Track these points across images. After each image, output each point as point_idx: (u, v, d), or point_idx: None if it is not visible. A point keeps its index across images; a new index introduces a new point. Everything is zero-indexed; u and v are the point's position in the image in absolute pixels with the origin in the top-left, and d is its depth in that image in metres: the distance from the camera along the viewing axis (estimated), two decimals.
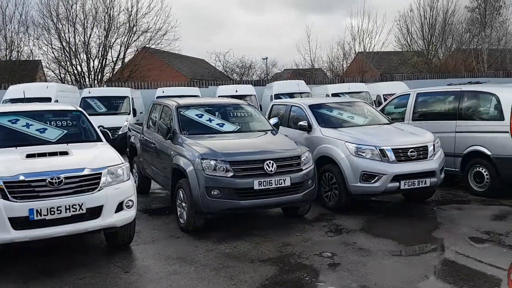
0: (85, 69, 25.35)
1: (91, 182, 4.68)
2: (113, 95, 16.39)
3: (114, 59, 26.06)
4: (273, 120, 7.71)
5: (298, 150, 6.24)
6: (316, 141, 7.51)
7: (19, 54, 24.90)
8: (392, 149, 6.74)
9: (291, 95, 18.57)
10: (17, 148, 5.15)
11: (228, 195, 5.66)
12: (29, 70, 26.60)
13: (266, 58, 36.72)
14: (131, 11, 25.57)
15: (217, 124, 7.04)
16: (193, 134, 6.62)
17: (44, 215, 4.35)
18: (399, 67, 31.55)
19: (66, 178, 4.53)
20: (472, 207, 7.28)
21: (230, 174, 5.69)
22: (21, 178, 4.38)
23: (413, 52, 30.08)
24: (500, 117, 7.51)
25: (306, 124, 7.74)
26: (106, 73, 25.84)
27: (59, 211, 4.42)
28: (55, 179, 4.46)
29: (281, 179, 5.83)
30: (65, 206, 4.45)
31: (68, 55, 24.91)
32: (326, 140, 7.29)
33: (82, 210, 4.53)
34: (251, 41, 59.13)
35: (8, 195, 4.32)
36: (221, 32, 61.75)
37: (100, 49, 25.17)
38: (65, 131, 5.80)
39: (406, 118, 9.33)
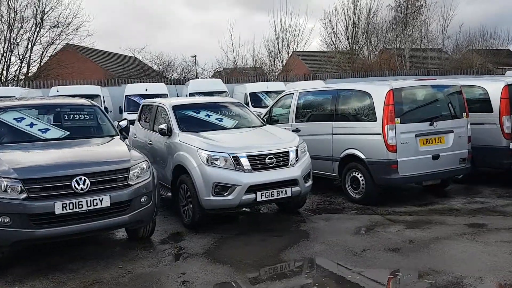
0: None
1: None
2: (84, 93, 14.72)
3: (21, 56, 23.84)
4: (123, 123, 6.69)
5: (126, 161, 5.23)
6: (174, 148, 6.61)
7: None
8: (248, 156, 5.95)
9: (208, 94, 17.78)
10: None
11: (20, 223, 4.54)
12: None
13: (195, 56, 35.51)
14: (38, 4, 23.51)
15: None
16: None
17: None
18: (323, 66, 31.48)
19: None
20: (342, 217, 6.65)
21: (23, 195, 4.60)
22: None
23: (336, 51, 30.03)
24: (373, 118, 6.94)
25: (166, 128, 6.81)
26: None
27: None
28: None
29: (96, 199, 4.81)
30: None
31: None
32: (183, 147, 6.40)
33: None
34: (197, 40, 57.74)
35: None
36: (166, 30, 59.79)
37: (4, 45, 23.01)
38: None
39: (289, 119, 8.65)
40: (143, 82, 21.20)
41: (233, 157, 5.90)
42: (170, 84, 22.08)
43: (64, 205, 4.63)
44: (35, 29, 23.62)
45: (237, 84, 22.24)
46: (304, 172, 6.28)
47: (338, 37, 30.48)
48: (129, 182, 5.12)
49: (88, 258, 5.22)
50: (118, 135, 6.32)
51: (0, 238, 4.55)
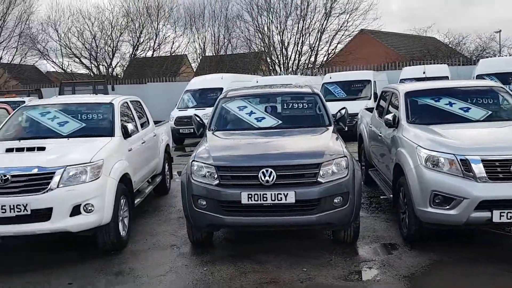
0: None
1: (38, 182, 4.42)
2: (354, 79, 15.87)
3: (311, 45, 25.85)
4: (343, 111, 6.02)
5: (318, 156, 4.61)
6: (396, 143, 5.55)
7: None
8: (483, 160, 4.37)
9: (501, 76, 14.90)
10: (20, 141, 5.33)
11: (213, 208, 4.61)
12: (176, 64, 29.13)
13: (499, 31, 30.43)
14: None
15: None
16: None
17: None
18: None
19: (13, 176, 4.40)
20: None
21: (216, 182, 4.62)
22: None
23: None
24: None
25: (392, 118, 5.80)
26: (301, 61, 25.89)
27: (3, 210, 4.31)
28: (2, 177, 4.37)
29: (280, 194, 4.42)
30: (10, 206, 4.31)
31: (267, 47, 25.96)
32: (403, 142, 5.29)
33: (27, 211, 4.32)
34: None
35: None
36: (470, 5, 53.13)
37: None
38: (83, 125, 5.74)
39: None
40: (429, 63, 19.52)
41: (460, 160, 4.44)
42: (459, 65, 19.64)
43: (250, 196, 4.46)
44: (325, 18, 25.01)
45: None
46: None
47: None
48: (318, 179, 4.51)
49: (280, 251, 4.91)
50: (331, 126, 5.73)
51: (196, 220, 4.76)
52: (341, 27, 25.64)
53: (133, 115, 6.63)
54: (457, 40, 25.97)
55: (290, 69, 25.56)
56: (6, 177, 4.40)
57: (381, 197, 6.88)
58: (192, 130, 13.22)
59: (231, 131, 5.82)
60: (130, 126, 5.82)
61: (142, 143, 6.47)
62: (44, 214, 4.41)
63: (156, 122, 7.90)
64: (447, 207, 4.46)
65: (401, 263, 4.52)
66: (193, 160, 4.85)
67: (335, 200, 4.53)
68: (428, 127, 5.28)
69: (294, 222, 4.54)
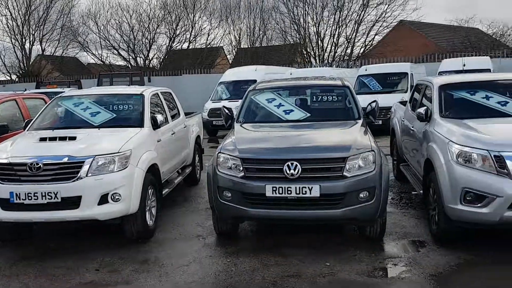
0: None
1: (69, 171, 4.55)
2: (390, 71, 15.55)
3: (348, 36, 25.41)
4: (373, 105, 5.86)
5: (344, 150, 4.53)
6: (428, 137, 5.38)
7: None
8: None
9: None
10: (54, 131, 5.50)
11: (238, 200, 4.62)
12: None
13: None
14: None
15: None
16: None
17: (22, 199, 4.49)
18: None
19: (44, 164, 4.55)
20: None
21: (241, 174, 4.62)
22: (5, 161, 4.63)
23: None
24: None
25: (424, 112, 5.62)
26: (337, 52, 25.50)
27: (36, 197, 4.47)
28: (34, 165, 4.53)
29: (305, 187, 4.38)
30: (41, 193, 4.47)
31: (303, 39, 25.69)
32: (435, 137, 5.12)
33: (57, 199, 4.47)
34: None
35: None
36: None
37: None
38: (114, 115, 5.86)
39: None
40: (472, 55, 18.83)
41: (494, 156, 4.25)
42: (502, 57, 18.85)
43: (274, 189, 4.45)
44: (362, 9, 24.49)
45: None
46: None
47: None
48: (344, 174, 4.44)
49: (304, 245, 4.87)
50: (361, 119, 5.61)
51: (222, 211, 4.79)
52: (379, 18, 25.09)
53: (163, 106, 6.72)
54: (501, 31, 24.89)
55: (326, 61, 25.22)
56: (38, 165, 4.56)
57: (412, 193, 6.70)
58: None
59: (259, 124, 5.80)
60: (159, 117, 5.90)
61: (172, 134, 6.55)
62: (74, 202, 4.55)
63: (187, 114, 7.98)
64: (479, 205, 4.28)
65: (428, 261, 4.39)
66: (219, 152, 4.88)
67: (361, 195, 4.45)
68: (462, 121, 5.08)
69: (318, 216, 4.50)
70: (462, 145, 4.50)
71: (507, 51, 20.69)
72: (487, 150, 4.31)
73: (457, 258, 4.44)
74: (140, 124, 5.73)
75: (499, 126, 4.89)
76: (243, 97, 6.32)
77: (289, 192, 4.41)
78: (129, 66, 30.35)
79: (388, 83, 15.05)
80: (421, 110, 5.67)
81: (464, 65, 15.20)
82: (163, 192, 5.90)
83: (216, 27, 30.45)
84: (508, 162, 4.18)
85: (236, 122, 5.86)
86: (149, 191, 5.24)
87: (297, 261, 4.52)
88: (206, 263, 4.61)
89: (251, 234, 5.43)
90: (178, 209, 6.50)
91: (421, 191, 5.55)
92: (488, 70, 14.08)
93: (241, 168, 4.62)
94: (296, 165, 4.43)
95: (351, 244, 4.89)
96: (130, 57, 30.57)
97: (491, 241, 4.87)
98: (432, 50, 24.58)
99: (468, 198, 4.36)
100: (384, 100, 13.05)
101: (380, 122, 13.18)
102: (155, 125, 5.85)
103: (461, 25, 27.96)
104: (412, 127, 6.36)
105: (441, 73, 15.33)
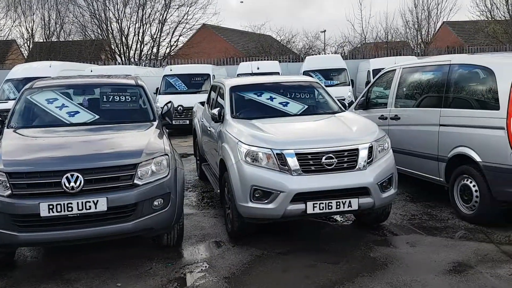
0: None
1: None
2: (194, 72, 15.63)
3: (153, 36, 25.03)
4: (169, 106, 5.68)
5: (135, 155, 4.20)
6: (221, 138, 5.44)
7: None
8: (297, 154, 4.48)
9: (324, 72, 16.41)
10: None
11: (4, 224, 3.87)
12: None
13: (324, 31, 33.56)
14: None
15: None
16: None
17: None
18: (475, 37, 27.05)
19: None
20: (437, 241, 4.76)
21: (8, 192, 3.89)
22: None
23: (492, 19, 25.43)
24: (494, 105, 4.83)
25: (217, 113, 5.68)
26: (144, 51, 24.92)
27: None
28: None
29: (89, 202, 3.91)
30: None
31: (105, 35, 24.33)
32: (227, 138, 5.19)
33: None
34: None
35: None
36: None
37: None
38: None
39: (388, 104, 6.79)
40: (264, 60, 20.46)
41: (277, 154, 4.50)
42: (289, 61, 20.97)
43: (51, 207, 3.84)
44: (165, 9, 24.43)
45: (362, 60, 20.17)
46: (380, 177, 4.59)
47: (494, 3, 25.72)
48: (135, 182, 4.11)
49: (94, 266, 4.39)
50: (156, 121, 5.37)
51: None
52: (181, 19, 25.37)
53: None
54: (288, 38, 27.81)
55: (132, 59, 24.38)
56: None
57: (214, 192, 6.79)
58: None
59: (37, 129, 5.03)
60: None
61: None
62: None
63: None
64: (266, 201, 4.48)
65: (223, 263, 4.40)
66: None
67: (155, 203, 4.19)
68: (251, 121, 5.28)
69: (106, 232, 4.05)
70: (250, 145, 4.65)
71: (293, 56, 23.14)
72: (270, 148, 4.54)
73: (250, 255, 4.56)
74: None
75: (279, 125, 5.20)
76: (17, 97, 5.44)
77: (69, 209, 3.86)
78: None
79: (193, 83, 15.45)
80: (215, 111, 5.73)
81: (258, 68, 16.54)
82: None
83: (3, 17, 26.62)
84: (288, 159, 4.46)
85: (7, 128, 4.99)
86: None
87: (84, 287, 4.00)
88: None
89: (31, 259, 4.68)
90: None
91: (218, 191, 5.61)
92: (277, 73, 15.50)
93: (8, 185, 3.87)
94: (78, 176, 3.92)
95: (147, 255, 4.59)
96: None
97: (282, 234, 5.17)
98: (232, 54, 26.06)
99: (256, 196, 4.52)
100: (188, 100, 13.35)
101: (187, 122, 13.38)
102: None
103: (254, 31, 30.34)
104: (210, 127, 6.42)
105: (239, 75, 16.35)
